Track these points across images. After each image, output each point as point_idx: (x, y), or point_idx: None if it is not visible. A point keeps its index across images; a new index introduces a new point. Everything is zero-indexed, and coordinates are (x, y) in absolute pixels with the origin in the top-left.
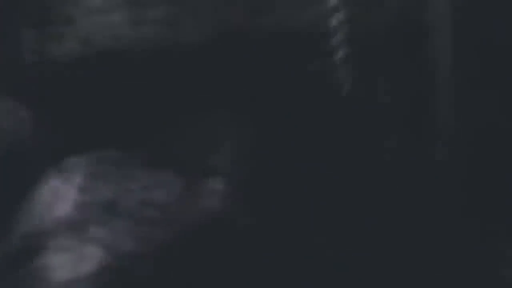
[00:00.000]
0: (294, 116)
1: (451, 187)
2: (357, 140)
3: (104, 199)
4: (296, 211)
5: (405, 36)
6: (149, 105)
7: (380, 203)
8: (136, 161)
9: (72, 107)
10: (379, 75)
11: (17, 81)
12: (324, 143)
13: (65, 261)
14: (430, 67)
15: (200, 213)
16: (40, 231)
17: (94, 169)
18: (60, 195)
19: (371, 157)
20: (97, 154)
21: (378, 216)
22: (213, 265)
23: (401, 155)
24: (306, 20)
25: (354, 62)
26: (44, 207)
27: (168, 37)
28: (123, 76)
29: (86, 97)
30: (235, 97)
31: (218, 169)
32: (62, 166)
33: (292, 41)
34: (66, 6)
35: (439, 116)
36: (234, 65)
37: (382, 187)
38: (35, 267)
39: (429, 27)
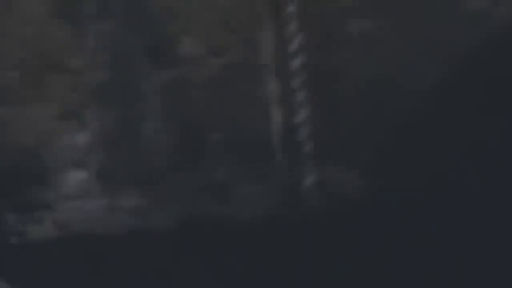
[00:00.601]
0: None
1: None
2: None
3: None
4: None
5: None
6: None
7: None
8: None
9: (51, 286)
10: None
11: (0, 261)
12: None
13: None
14: None
15: None
16: None
17: None
18: None
19: None
20: None
21: None
22: None
23: None
24: (270, 209)
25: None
26: None
27: (139, 224)
28: (98, 259)
29: (64, 277)
30: (203, 279)
31: None
32: None
33: (256, 229)
34: (45, 192)
35: None
36: (201, 250)
37: None
38: None
39: None
